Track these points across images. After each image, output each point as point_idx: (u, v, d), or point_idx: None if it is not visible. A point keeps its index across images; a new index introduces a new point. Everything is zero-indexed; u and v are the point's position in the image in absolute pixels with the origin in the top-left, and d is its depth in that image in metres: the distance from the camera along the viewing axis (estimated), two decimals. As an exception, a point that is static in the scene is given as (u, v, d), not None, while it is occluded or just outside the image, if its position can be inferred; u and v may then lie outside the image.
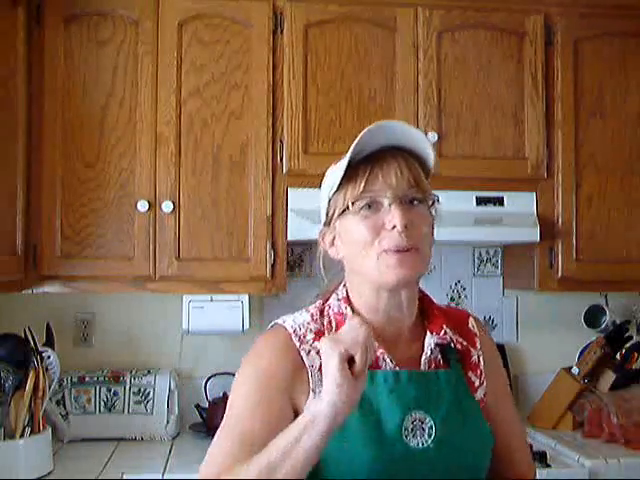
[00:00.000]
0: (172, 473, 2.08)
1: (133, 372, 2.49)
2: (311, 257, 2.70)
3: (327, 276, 1.27)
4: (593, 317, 2.77)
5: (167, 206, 2.28)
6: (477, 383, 1.25)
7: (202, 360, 2.64)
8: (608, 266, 2.48)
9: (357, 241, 1.18)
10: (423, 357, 1.20)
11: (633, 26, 2.51)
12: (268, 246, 2.33)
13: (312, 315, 1.22)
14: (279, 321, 1.22)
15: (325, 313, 1.23)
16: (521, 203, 2.43)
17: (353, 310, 1.22)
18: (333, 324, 1.21)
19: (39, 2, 2.28)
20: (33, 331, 2.13)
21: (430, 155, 1.20)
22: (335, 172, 1.19)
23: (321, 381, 1.05)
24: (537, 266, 2.47)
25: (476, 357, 1.27)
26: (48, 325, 2.29)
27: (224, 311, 2.42)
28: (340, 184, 1.19)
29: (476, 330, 1.31)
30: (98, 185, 2.29)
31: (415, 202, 1.18)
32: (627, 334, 2.62)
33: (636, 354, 2.57)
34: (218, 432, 1.15)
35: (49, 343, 2.24)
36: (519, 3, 2.46)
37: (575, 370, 2.56)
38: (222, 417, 1.16)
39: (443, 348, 1.22)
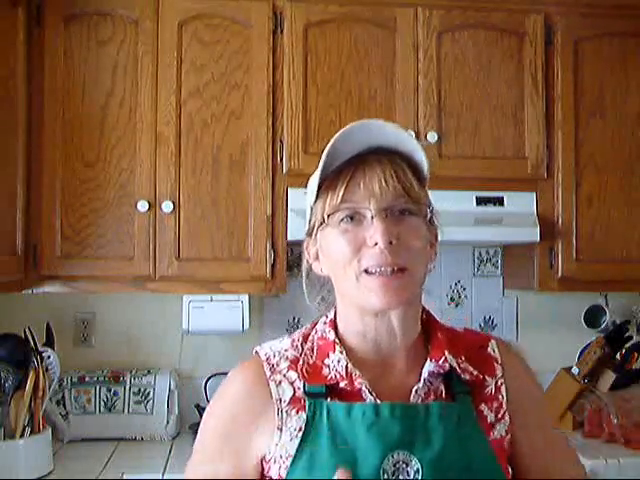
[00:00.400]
0: (172, 473, 2.08)
1: (133, 372, 2.49)
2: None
3: (320, 294, 1.13)
4: (593, 317, 2.77)
5: (167, 206, 2.28)
6: (491, 419, 1.05)
7: (202, 360, 2.64)
8: (608, 266, 2.48)
9: (336, 258, 1.02)
10: (414, 388, 1.02)
11: (633, 26, 2.51)
12: (268, 246, 2.33)
13: (293, 341, 1.09)
14: (258, 348, 1.10)
15: (310, 338, 1.09)
16: (521, 203, 2.43)
17: (337, 334, 1.07)
18: (315, 350, 1.06)
19: (39, 2, 2.28)
20: (33, 331, 2.13)
21: (422, 160, 1.04)
22: (315, 176, 1.04)
23: (289, 415, 1.00)
24: (537, 266, 2.47)
25: (492, 387, 1.07)
26: (48, 325, 2.29)
27: (224, 311, 2.42)
28: (321, 190, 1.04)
29: (497, 355, 1.10)
30: (98, 185, 2.29)
31: (406, 213, 1.02)
32: (627, 334, 2.62)
33: (636, 354, 2.57)
34: (192, 455, 1.09)
35: (49, 343, 2.24)
36: (519, 3, 2.46)
37: (575, 370, 2.56)
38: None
39: (444, 377, 1.04)
